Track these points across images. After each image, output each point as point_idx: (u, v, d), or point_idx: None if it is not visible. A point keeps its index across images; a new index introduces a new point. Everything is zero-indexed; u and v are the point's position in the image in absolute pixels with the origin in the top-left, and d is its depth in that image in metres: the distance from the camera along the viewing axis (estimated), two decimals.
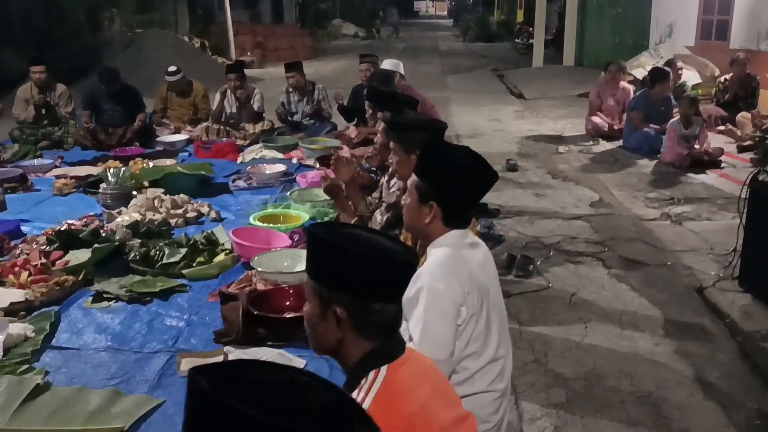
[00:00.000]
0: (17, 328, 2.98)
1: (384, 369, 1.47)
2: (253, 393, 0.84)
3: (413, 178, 2.17)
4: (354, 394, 1.44)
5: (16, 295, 3.31)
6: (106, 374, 2.72)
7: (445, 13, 58.95)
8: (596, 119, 8.19)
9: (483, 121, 9.52)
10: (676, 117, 6.87)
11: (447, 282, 1.99)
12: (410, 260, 1.51)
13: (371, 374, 1.47)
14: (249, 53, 18.68)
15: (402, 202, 2.27)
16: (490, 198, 5.52)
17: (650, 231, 4.91)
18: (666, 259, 4.36)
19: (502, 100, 11.86)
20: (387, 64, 6.47)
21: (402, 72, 6.39)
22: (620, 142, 7.71)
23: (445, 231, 2.10)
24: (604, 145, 7.82)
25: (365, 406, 1.39)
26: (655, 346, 3.26)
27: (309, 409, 0.84)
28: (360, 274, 1.43)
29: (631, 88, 8.36)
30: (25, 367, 2.75)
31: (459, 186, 2.08)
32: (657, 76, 7.54)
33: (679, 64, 9.20)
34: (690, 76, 9.31)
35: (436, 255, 2.09)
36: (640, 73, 9.38)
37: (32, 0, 12.10)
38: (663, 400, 2.82)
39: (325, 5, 32.09)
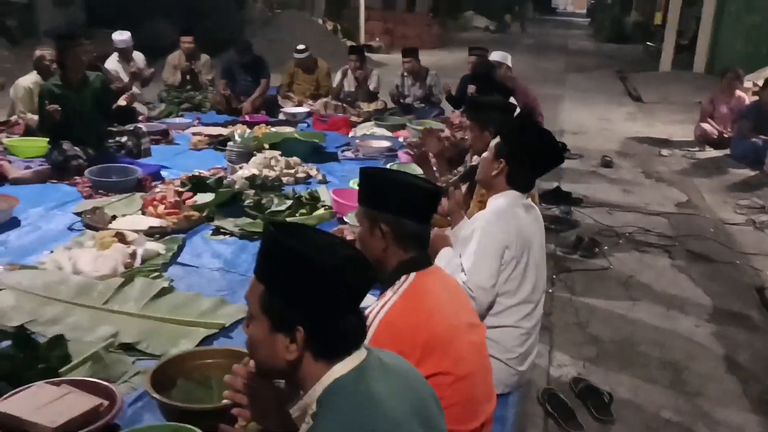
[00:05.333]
0: (153, 245, 3.72)
1: (413, 275, 1.97)
2: (305, 242, 1.37)
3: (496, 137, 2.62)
4: (388, 293, 1.94)
5: (154, 221, 4.08)
6: (216, 287, 3.38)
7: (584, 11, 57.15)
8: (706, 126, 8.14)
9: (591, 120, 9.66)
10: None
11: (498, 226, 2.45)
12: (434, 190, 2.02)
13: (403, 277, 1.97)
14: (377, 38, 19.40)
15: (479, 156, 2.74)
16: (578, 188, 5.80)
17: (729, 234, 5.04)
18: (735, 258, 4.51)
19: (617, 101, 11.84)
20: (495, 56, 6.85)
21: (509, 64, 6.74)
22: (728, 151, 7.68)
23: (506, 188, 2.55)
24: (709, 152, 7.82)
25: (395, 299, 1.90)
26: (695, 327, 3.53)
27: (338, 255, 1.36)
28: (399, 197, 1.95)
29: (746, 97, 8.24)
30: (156, 274, 3.46)
31: (528, 154, 2.51)
32: (766, 82, 7.48)
33: None
34: None
35: (494, 204, 2.57)
36: None
37: None
38: (686, 368, 3.13)
39: None
